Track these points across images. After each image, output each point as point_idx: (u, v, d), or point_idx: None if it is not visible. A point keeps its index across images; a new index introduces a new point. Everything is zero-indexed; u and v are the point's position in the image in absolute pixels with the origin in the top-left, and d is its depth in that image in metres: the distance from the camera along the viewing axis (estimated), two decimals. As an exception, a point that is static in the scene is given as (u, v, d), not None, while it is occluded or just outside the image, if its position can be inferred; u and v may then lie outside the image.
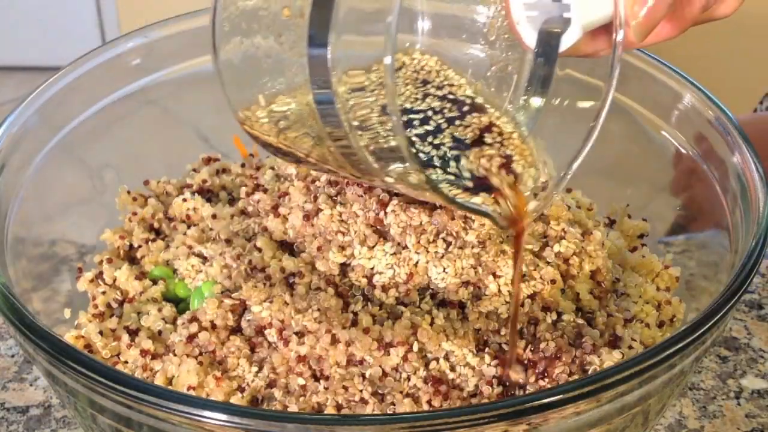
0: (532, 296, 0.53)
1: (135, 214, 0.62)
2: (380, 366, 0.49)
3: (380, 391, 0.49)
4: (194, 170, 0.66)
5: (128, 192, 0.64)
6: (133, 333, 0.54)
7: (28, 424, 0.62)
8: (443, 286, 0.52)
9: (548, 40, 0.46)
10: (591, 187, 0.66)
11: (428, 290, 0.53)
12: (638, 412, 0.47)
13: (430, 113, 0.46)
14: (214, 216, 0.60)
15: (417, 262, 0.52)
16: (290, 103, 0.41)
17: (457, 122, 0.46)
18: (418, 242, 0.52)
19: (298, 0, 0.38)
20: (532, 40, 0.46)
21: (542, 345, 0.50)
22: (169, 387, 0.50)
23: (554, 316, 0.53)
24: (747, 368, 0.66)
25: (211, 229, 0.60)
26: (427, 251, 0.52)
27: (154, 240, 0.61)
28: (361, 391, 0.48)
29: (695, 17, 0.46)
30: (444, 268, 0.52)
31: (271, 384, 0.50)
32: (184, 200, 0.62)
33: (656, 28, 0.45)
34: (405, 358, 0.49)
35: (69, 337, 0.54)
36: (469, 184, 0.45)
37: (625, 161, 0.71)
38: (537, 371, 0.49)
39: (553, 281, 0.53)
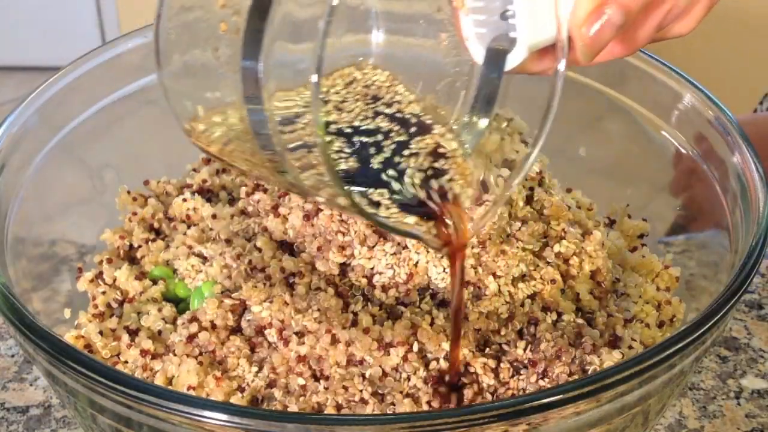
0: (532, 296, 0.53)
1: (135, 214, 0.62)
2: (380, 366, 0.49)
3: (380, 391, 0.49)
4: (194, 170, 0.66)
5: (128, 192, 0.64)
6: (133, 333, 0.54)
7: (28, 424, 0.62)
8: (443, 286, 0.52)
9: (495, 58, 0.45)
10: (591, 187, 0.66)
11: (428, 290, 0.53)
12: (638, 412, 0.47)
13: (377, 134, 0.46)
14: (214, 216, 0.60)
15: (417, 262, 0.52)
16: (227, 119, 0.41)
17: (403, 145, 0.46)
18: (419, 242, 0.52)
19: (234, 15, 0.38)
20: (480, 57, 0.46)
21: (542, 345, 0.50)
22: (169, 387, 0.50)
23: (554, 317, 0.53)
24: (747, 368, 0.66)
25: (211, 229, 0.60)
26: (427, 251, 0.52)
27: (154, 240, 0.61)
28: (361, 391, 0.48)
29: (648, 37, 0.46)
30: (444, 268, 0.52)
31: (271, 384, 0.50)
32: (184, 200, 0.62)
33: (607, 47, 0.44)
34: (405, 358, 0.49)
35: (69, 337, 0.54)
36: (409, 201, 0.44)
37: (625, 161, 0.71)
38: (537, 371, 0.49)
39: (553, 281, 0.53)
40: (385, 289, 0.52)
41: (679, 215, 0.66)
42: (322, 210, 0.54)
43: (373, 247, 0.53)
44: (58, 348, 0.44)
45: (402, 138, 0.46)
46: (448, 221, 0.44)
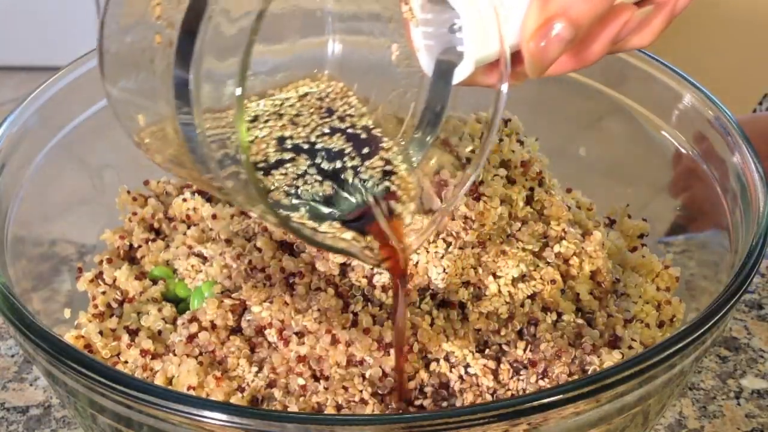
0: (532, 296, 0.53)
1: (135, 214, 0.62)
2: (380, 366, 0.49)
3: (380, 392, 0.49)
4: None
5: (128, 192, 0.64)
6: (133, 333, 0.54)
7: (28, 424, 0.62)
8: (443, 287, 0.52)
9: (444, 71, 0.44)
10: (591, 187, 0.66)
11: (428, 290, 0.53)
12: (638, 412, 0.47)
13: (327, 150, 0.45)
14: (214, 216, 0.60)
15: (417, 262, 0.52)
16: (165, 132, 0.40)
17: (353, 162, 0.46)
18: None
19: (168, 27, 0.38)
20: (430, 69, 0.45)
21: (542, 345, 0.50)
22: (169, 387, 0.50)
23: (554, 317, 0.53)
24: (747, 368, 0.66)
25: (211, 229, 0.60)
26: (428, 251, 0.52)
27: (154, 240, 0.61)
28: (361, 391, 0.48)
29: (604, 50, 0.45)
30: (444, 269, 0.52)
31: (271, 384, 0.50)
32: (184, 200, 0.62)
33: (560, 60, 0.44)
34: (405, 359, 0.49)
35: (69, 337, 0.54)
36: (345, 217, 0.44)
37: (625, 161, 0.71)
38: (537, 371, 0.49)
39: (553, 281, 0.53)
40: (385, 289, 0.52)
41: (679, 215, 0.66)
42: None
43: None
44: (58, 348, 0.44)
45: (350, 153, 0.46)
46: (387, 236, 0.44)
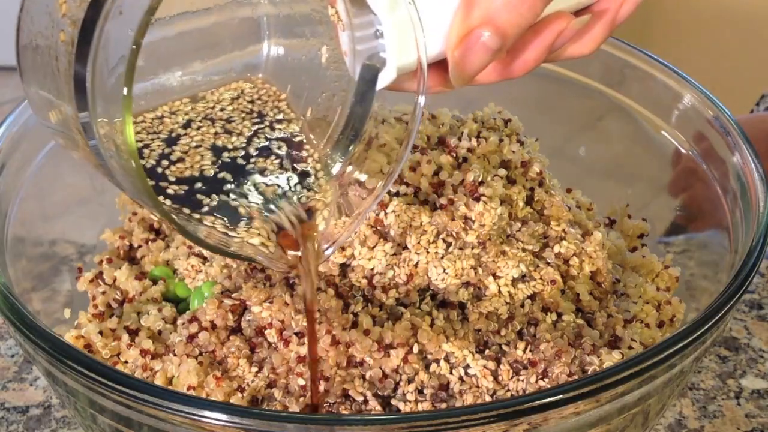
0: (531, 297, 0.53)
1: (135, 214, 0.62)
2: (380, 368, 0.49)
3: (380, 393, 0.49)
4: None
5: None
6: (133, 333, 0.54)
7: (28, 424, 0.62)
8: (443, 287, 0.52)
9: (369, 76, 0.44)
10: (591, 187, 0.66)
11: (428, 291, 0.53)
12: (638, 412, 0.47)
13: (253, 157, 0.45)
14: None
15: (417, 263, 0.52)
16: (73, 132, 0.40)
17: (271, 169, 0.46)
18: (419, 243, 0.52)
19: (71, 26, 0.37)
20: (356, 74, 0.45)
21: (542, 346, 0.50)
22: (169, 387, 0.50)
23: (554, 317, 0.53)
24: (747, 368, 0.66)
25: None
26: (428, 252, 0.52)
27: (154, 240, 0.61)
28: (361, 392, 0.48)
29: (537, 59, 0.44)
30: (444, 269, 0.52)
31: (271, 384, 0.50)
32: None
33: (490, 69, 0.43)
34: (405, 360, 0.49)
35: (69, 337, 0.54)
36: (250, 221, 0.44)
37: (625, 161, 0.71)
38: (537, 371, 0.49)
39: (553, 282, 0.53)
40: (385, 289, 0.52)
41: (679, 215, 0.66)
42: None
43: (374, 247, 0.53)
44: (58, 348, 0.44)
45: (270, 161, 0.46)
46: (299, 242, 0.44)
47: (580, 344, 0.51)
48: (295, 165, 0.46)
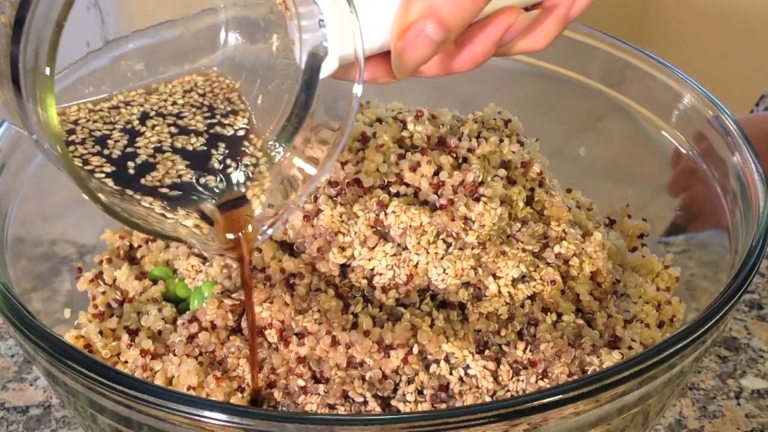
0: (531, 297, 0.53)
1: None
2: (380, 368, 0.49)
3: (380, 394, 0.49)
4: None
5: None
6: (133, 333, 0.54)
7: (28, 424, 0.62)
8: (443, 287, 0.52)
9: (313, 65, 0.45)
10: (591, 187, 0.66)
11: (428, 291, 0.53)
12: (638, 412, 0.47)
13: (200, 146, 0.46)
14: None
15: (417, 263, 0.52)
16: (12, 113, 0.41)
17: (214, 154, 0.47)
18: (419, 243, 0.52)
19: (10, 8, 0.37)
20: (302, 62, 0.45)
21: (542, 346, 0.50)
22: (169, 387, 0.50)
23: (554, 317, 0.53)
24: (747, 368, 0.66)
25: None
26: (428, 252, 0.52)
27: (154, 240, 0.61)
28: (361, 393, 0.48)
29: (485, 53, 0.44)
30: (444, 269, 0.52)
31: (270, 385, 0.50)
32: None
33: (434, 62, 0.43)
34: (405, 361, 0.49)
35: (69, 337, 0.54)
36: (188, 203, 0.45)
37: (625, 161, 0.71)
38: (537, 371, 0.49)
39: (553, 282, 0.53)
40: (385, 290, 0.52)
41: (679, 215, 0.66)
42: (322, 210, 0.54)
43: (374, 247, 0.53)
44: (58, 348, 0.44)
45: (214, 147, 0.47)
46: (233, 226, 0.45)
47: (580, 344, 0.51)
48: (238, 153, 0.47)
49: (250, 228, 0.45)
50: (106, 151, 0.44)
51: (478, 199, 0.53)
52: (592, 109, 0.69)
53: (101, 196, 0.40)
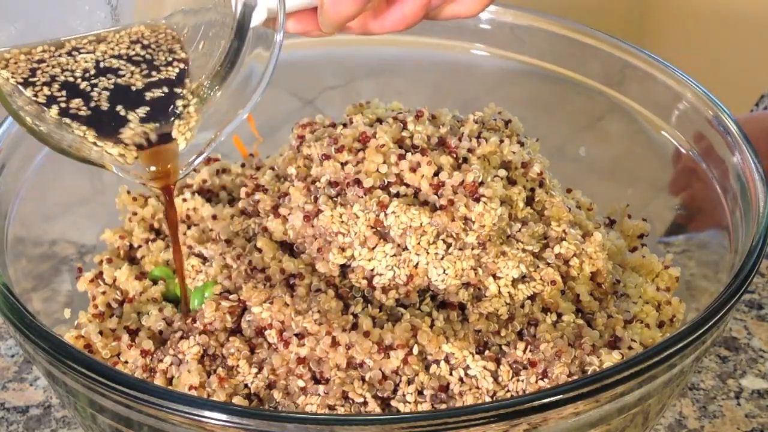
0: (531, 297, 0.53)
1: (135, 213, 0.62)
2: (380, 369, 0.49)
3: (380, 394, 0.49)
4: (194, 170, 0.66)
5: (128, 192, 0.64)
6: (134, 333, 0.54)
7: (28, 424, 0.62)
8: (443, 288, 0.52)
9: (246, 15, 0.50)
10: (591, 187, 0.66)
11: (428, 292, 0.53)
12: (638, 412, 0.47)
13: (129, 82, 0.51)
14: (214, 216, 0.60)
15: (417, 264, 0.52)
16: None
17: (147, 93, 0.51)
18: (419, 243, 0.52)
19: None
20: (238, 12, 0.50)
21: (542, 346, 0.50)
22: (170, 387, 0.50)
23: (554, 317, 0.53)
24: (747, 368, 0.66)
25: (211, 230, 0.60)
26: (428, 252, 0.52)
27: (154, 240, 0.61)
28: (360, 394, 0.48)
29: (415, 15, 0.45)
30: (444, 270, 0.52)
31: (270, 385, 0.50)
32: (184, 200, 0.62)
33: (361, 20, 0.45)
34: (405, 361, 0.49)
35: (69, 337, 0.54)
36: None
37: (625, 161, 0.71)
38: (537, 371, 0.49)
39: (553, 282, 0.53)
40: (385, 290, 0.52)
41: (679, 214, 0.66)
42: (322, 211, 0.54)
43: (374, 248, 0.53)
44: (58, 348, 0.44)
45: (152, 91, 0.50)
46: (159, 159, 0.49)
47: (580, 344, 0.51)
48: (171, 94, 0.50)
49: (172, 163, 0.49)
50: (55, 86, 0.49)
51: (478, 200, 0.53)
52: (592, 109, 0.69)
53: (27, 119, 0.47)
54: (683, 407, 0.63)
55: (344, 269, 0.54)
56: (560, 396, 0.42)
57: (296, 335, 0.51)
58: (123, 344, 0.53)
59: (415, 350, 0.50)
